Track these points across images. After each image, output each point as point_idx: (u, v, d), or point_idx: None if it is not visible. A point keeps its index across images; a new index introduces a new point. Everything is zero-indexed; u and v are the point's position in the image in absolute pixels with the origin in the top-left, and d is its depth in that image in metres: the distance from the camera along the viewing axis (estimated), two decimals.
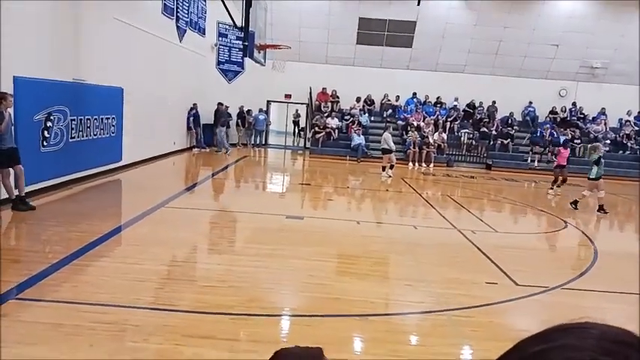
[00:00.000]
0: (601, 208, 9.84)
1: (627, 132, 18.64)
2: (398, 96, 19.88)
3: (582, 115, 19.55)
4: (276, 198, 10.79)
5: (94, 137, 9.52)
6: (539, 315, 4.67)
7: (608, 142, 18.39)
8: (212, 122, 17.51)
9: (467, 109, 19.64)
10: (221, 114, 16.71)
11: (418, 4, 17.42)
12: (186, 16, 14.96)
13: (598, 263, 6.40)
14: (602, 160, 10.15)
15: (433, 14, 18.10)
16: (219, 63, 18.78)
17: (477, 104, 19.61)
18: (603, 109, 19.47)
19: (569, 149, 13.48)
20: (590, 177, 10.01)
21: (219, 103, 16.80)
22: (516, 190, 13.55)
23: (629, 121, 19.33)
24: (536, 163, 17.54)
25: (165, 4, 13.09)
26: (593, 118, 19.53)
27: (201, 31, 16.72)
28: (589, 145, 11.72)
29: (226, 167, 13.99)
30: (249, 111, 18.95)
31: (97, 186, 9.31)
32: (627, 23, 17.76)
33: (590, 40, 18.34)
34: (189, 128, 16.21)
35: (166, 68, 13.61)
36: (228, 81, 19.05)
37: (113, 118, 10.30)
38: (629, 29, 17.88)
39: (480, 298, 4.76)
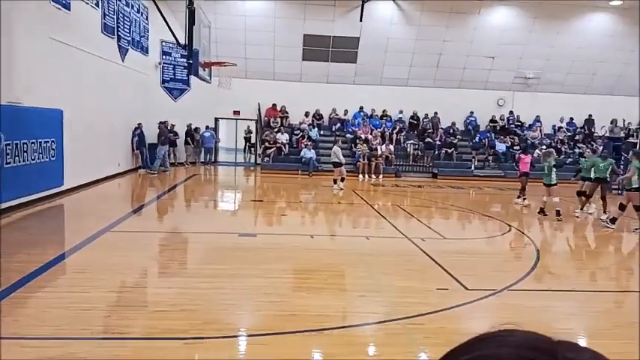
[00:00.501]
0: (558, 214, 9.99)
1: (561, 137, 19.80)
2: (346, 110, 20.23)
3: (519, 123, 20.62)
4: (228, 216, 10.65)
5: (33, 162, 9.07)
6: (489, 318, 4.83)
7: (544, 147, 19.43)
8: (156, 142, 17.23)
9: (412, 120, 20.25)
10: (161, 133, 16.32)
11: (360, 20, 17.91)
12: (128, 35, 14.65)
13: (541, 263, 6.73)
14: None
15: (375, 30, 18.63)
16: (163, 81, 18.49)
17: (421, 116, 20.26)
18: (538, 116, 20.64)
19: (530, 155, 13.07)
20: (550, 183, 10.14)
21: (160, 122, 16.40)
22: (462, 197, 14.04)
23: (562, 127, 20.57)
24: (472, 167, 18.37)
25: (105, 23, 12.78)
26: (530, 125, 20.64)
27: (144, 50, 16.41)
28: (543, 151, 11.59)
29: (175, 187, 13.70)
30: (196, 129, 18.69)
31: (38, 212, 8.86)
32: (556, 35, 19.00)
33: (523, 52, 19.45)
34: (134, 149, 15.77)
35: (108, 88, 13.22)
36: (174, 99, 18.77)
37: (53, 141, 9.86)
38: (557, 40, 19.12)
39: (433, 304, 4.89)
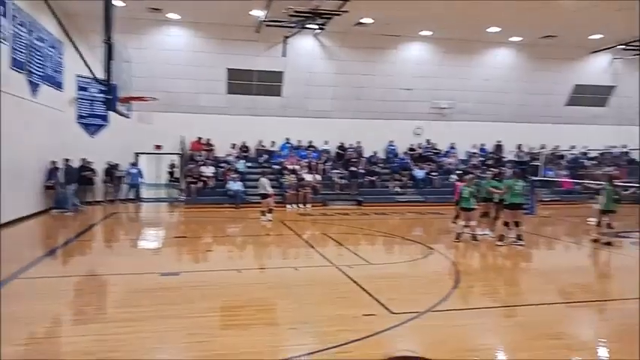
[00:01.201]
0: (474, 238, 10.45)
1: (474, 162, 21.13)
2: (273, 141, 20.37)
3: (436, 151, 21.79)
4: (149, 255, 10.19)
5: None
6: (413, 340, 4.98)
7: (460, 172, 20.62)
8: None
9: (338, 151, 20.77)
10: (67, 171, 15.31)
11: (283, 56, 18.30)
12: (41, 70, 13.94)
13: (462, 283, 7.06)
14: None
15: (298, 64, 19.12)
16: (79, 117, 17.65)
17: (345, 145, 20.85)
18: (453, 143, 21.96)
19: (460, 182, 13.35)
20: (470, 207, 10.48)
21: (65, 160, 15.37)
22: (386, 223, 14.48)
23: (476, 153, 21.99)
24: (397, 189, 19.17)
25: (14, 57, 12.10)
26: (446, 152, 21.88)
27: (58, 86, 15.65)
28: (467, 177, 11.85)
29: (92, 227, 12.95)
30: (116, 165, 17.91)
31: None
32: (466, 67, 20.51)
33: (437, 84, 20.76)
34: (47, 188, 14.80)
35: (17, 126, 12.42)
36: (91, 135, 17.94)
37: None
38: (467, 73, 20.64)
39: (360, 331, 4.96)
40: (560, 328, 5.34)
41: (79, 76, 16.95)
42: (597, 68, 21.66)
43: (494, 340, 5.07)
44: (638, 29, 16.47)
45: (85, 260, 9.32)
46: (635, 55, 19.87)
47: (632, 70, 21.62)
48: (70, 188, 15.11)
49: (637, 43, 18.75)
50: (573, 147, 22.28)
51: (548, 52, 20.39)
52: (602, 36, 18.72)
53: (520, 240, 10.10)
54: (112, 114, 14.82)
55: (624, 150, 21.85)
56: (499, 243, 10.17)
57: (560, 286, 7.27)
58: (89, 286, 7.23)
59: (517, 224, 10.19)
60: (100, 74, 10.56)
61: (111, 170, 17.90)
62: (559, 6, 15.06)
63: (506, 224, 10.33)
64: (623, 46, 19.27)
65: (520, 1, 14.73)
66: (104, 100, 11.71)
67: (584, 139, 21.79)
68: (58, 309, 5.88)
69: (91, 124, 17.93)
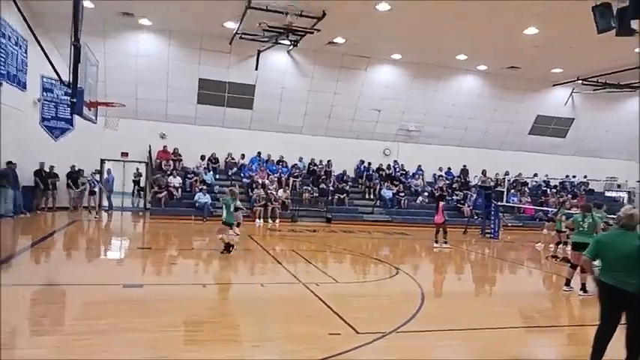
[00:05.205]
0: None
1: (440, 185, 21.58)
2: (243, 154, 20.27)
3: (404, 172, 22.17)
4: (112, 266, 9.89)
5: None
6: None
7: (426, 194, 21.06)
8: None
9: (312, 166, 20.83)
10: (3, 174, 14.17)
11: (256, 69, 18.34)
12: (3, 68, 13.49)
13: (426, 305, 7.15)
14: None
15: (270, 79, 19.20)
16: (43, 119, 17.13)
17: (316, 162, 20.95)
18: (420, 165, 22.40)
19: (442, 202, 14.40)
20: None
21: (8, 162, 14.31)
22: (353, 241, 14.55)
23: (442, 176, 22.49)
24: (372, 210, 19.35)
25: None
26: (413, 173, 22.28)
27: (22, 85, 15.17)
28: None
29: (52, 234, 12.49)
30: (79, 171, 17.39)
31: None
32: (433, 91, 21.05)
33: (405, 106, 21.21)
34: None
35: None
36: (55, 139, 17.42)
37: None
38: (434, 97, 21.18)
39: (324, 350, 4.93)
40: (519, 352, 5.47)
41: (44, 77, 16.50)
42: (558, 100, 22.64)
43: None
44: (596, 66, 17.40)
45: (41, 269, 8.96)
46: (593, 90, 20.89)
47: (590, 104, 22.72)
48: (8, 193, 14.13)
49: (594, 79, 19.76)
50: (535, 175, 23.14)
51: (512, 82, 21.20)
52: (562, 70, 19.62)
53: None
54: (77, 118, 14.44)
55: (584, 180, 22.90)
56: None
57: (520, 310, 7.46)
58: (46, 296, 6.94)
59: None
60: (66, 76, 10.29)
61: (73, 176, 17.37)
62: (522, 39, 15.76)
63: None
64: (582, 81, 20.25)
65: (486, 32, 15.34)
66: (69, 103, 11.40)
67: (545, 167, 22.66)
68: (12, 320, 5.61)
69: (56, 127, 17.42)
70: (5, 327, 5.35)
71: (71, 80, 9.99)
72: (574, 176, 23.34)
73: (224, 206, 10.69)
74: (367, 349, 5.13)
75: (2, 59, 13.44)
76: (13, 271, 8.52)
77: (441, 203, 14.09)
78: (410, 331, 5.84)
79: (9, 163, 14.35)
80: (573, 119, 23.40)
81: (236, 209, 13.73)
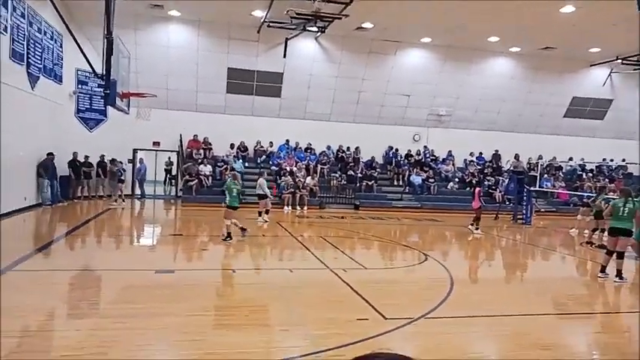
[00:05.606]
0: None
1: (472, 170, 21.19)
2: (271, 142, 20.38)
3: (434, 157, 21.85)
4: (145, 252, 10.17)
5: None
6: (406, 346, 4.98)
7: (457, 180, 20.73)
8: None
9: (341, 153, 20.80)
10: (44, 164, 14.69)
11: (284, 57, 18.32)
12: (40, 62, 13.91)
13: (455, 291, 7.08)
14: None
15: (298, 66, 19.13)
16: (78, 111, 17.63)
17: (344, 149, 20.89)
18: (450, 151, 22.02)
19: (479, 188, 14.24)
20: None
21: (48, 154, 14.78)
22: (382, 228, 14.50)
23: (473, 161, 22.06)
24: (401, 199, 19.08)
25: (13, 49, 12.07)
26: (443, 159, 21.93)
27: (58, 79, 15.63)
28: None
29: (87, 222, 12.91)
30: (113, 160, 17.83)
31: None
32: (464, 75, 20.56)
33: (435, 91, 20.81)
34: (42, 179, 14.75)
35: (16, 118, 12.38)
36: (90, 130, 17.92)
37: None
38: (466, 80, 20.70)
39: (353, 335, 4.96)
40: (551, 339, 5.36)
41: (79, 70, 16.95)
42: (596, 81, 21.77)
43: (485, 349, 5.08)
44: (637, 44, 16.61)
45: (78, 255, 9.30)
46: (633, 69, 20.00)
47: (630, 85, 21.76)
48: (43, 182, 14.61)
49: (635, 58, 18.89)
50: (571, 159, 22.42)
51: (547, 63, 20.48)
52: (600, 49, 18.84)
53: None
54: (110, 109, 14.80)
55: (623, 164, 22.04)
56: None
57: (553, 296, 7.30)
58: (83, 281, 7.21)
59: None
60: (99, 69, 10.53)
61: (102, 165, 17.79)
62: (558, 18, 15.17)
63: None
64: (621, 61, 19.40)
65: (520, 12, 14.82)
66: (103, 94, 11.67)
67: (581, 151, 21.91)
68: (51, 303, 5.86)
69: (90, 118, 17.92)
70: (43, 310, 5.60)
71: (104, 72, 10.24)
72: (612, 160, 22.51)
73: (226, 190, 10.75)
74: (395, 335, 5.13)
75: (39, 54, 13.85)
76: (50, 256, 8.87)
77: (477, 189, 13.86)
78: (439, 317, 5.80)
79: (49, 154, 14.87)
80: (612, 100, 22.50)
81: (263, 197, 13.90)
